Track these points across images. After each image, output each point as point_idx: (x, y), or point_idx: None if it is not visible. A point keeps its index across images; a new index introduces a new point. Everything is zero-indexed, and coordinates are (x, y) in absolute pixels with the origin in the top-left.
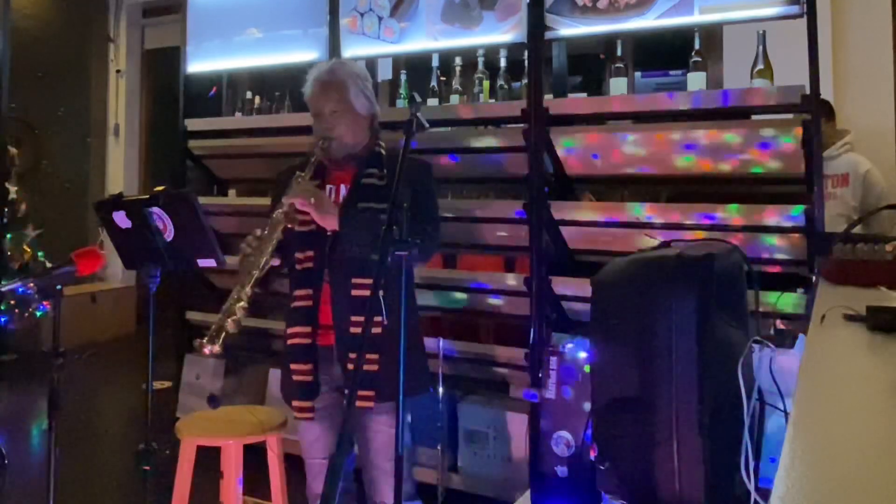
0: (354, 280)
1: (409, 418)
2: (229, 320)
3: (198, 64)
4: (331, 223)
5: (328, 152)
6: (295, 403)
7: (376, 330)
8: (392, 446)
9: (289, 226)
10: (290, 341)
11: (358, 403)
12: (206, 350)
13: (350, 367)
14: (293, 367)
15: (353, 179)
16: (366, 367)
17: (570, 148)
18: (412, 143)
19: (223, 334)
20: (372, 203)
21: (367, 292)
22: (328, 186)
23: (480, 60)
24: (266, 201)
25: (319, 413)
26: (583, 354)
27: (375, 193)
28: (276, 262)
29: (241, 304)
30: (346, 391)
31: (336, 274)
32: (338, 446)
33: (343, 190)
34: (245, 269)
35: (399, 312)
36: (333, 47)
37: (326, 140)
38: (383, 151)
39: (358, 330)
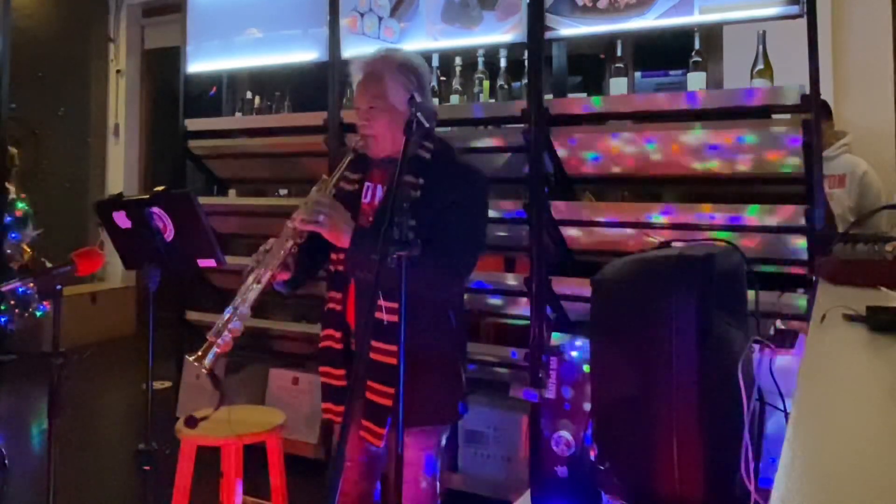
0: (379, 302)
1: (441, 445)
2: (221, 339)
3: (198, 64)
4: (343, 242)
5: (365, 151)
6: (324, 405)
7: (391, 360)
8: (416, 474)
9: (298, 241)
10: (321, 343)
11: (369, 437)
12: (204, 369)
13: (368, 395)
14: (322, 370)
15: (389, 183)
16: (379, 399)
17: (570, 147)
18: (448, 147)
19: (211, 351)
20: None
21: (393, 317)
22: (367, 184)
23: (480, 60)
24: (266, 201)
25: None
26: (582, 354)
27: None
28: (284, 275)
29: (235, 324)
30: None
31: (361, 286)
32: (338, 447)
33: (379, 192)
34: (249, 281)
35: (432, 332)
36: (333, 47)
37: (363, 138)
38: (427, 155)
39: (378, 357)
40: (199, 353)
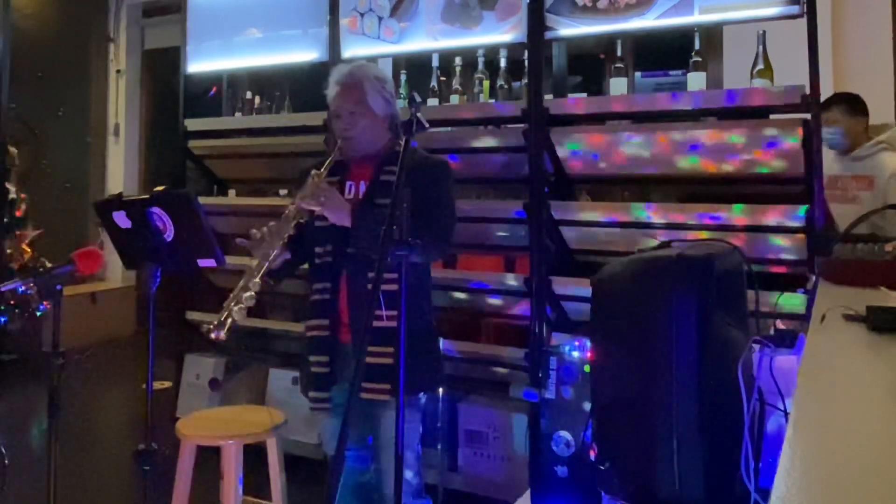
0: (371, 275)
1: (415, 411)
2: (236, 308)
3: (198, 64)
4: (343, 220)
5: (345, 152)
6: (311, 394)
7: (391, 324)
8: (404, 437)
9: (301, 221)
10: (308, 333)
11: (373, 396)
12: (213, 335)
13: (367, 359)
14: (311, 358)
15: (371, 177)
16: (380, 360)
17: (571, 148)
18: (412, 143)
19: (230, 321)
20: (389, 200)
21: (382, 287)
22: (348, 183)
23: (480, 60)
24: (266, 201)
25: (338, 408)
26: (582, 354)
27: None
28: (287, 255)
29: (249, 293)
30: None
31: (353, 270)
32: (337, 447)
33: (363, 186)
34: (255, 258)
35: (414, 309)
36: (333, 47)
37: (345, 140)
38: (399, 150)
39: (376, 325)
40: (216, 324)
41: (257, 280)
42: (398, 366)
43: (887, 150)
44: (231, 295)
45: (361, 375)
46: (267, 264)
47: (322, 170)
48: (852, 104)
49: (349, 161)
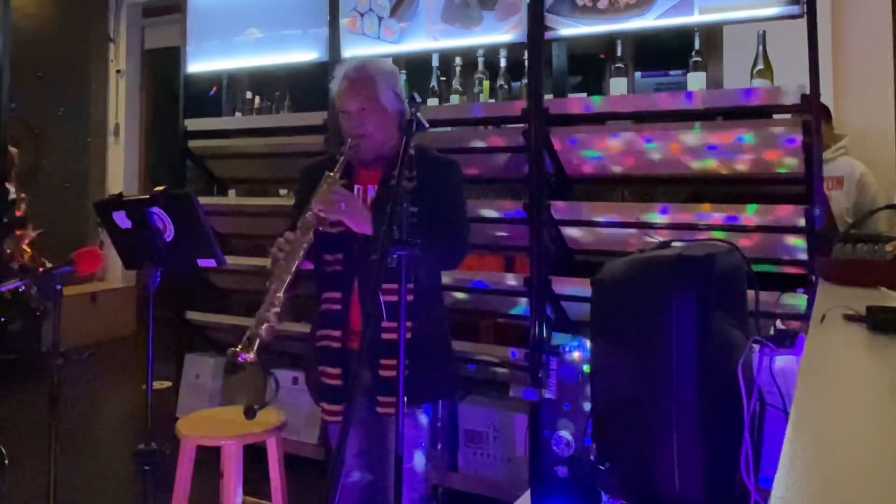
0: (385, 285)
1: (425, 421)
2: (263, 327)
3: (198, 64)
4: (364, 228)
5: (358, 151)
6: (325, 406)
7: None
8: (413, 449)
9: (319, 228)
10: (319, 343)
11: (388, 410)
12: (241, 358)
13: (381, 372)
14: (323, 369)
15: (381, 180)
16: (390, 373)
17: (571, 148)
18: (414, 144)
19: (257, 341)
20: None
21: (395, 297)
22: (356, 187)
23: (480, 60)
24: (266, 201)
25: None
26: (582, 354)
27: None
28: (307, 265)
29: (275, 309)
30: (370, 395)
31: (366, 278)
32: (337, 447)
33: (371, 191)
34: (277, 273)
35: (430, 317)
36: (333, 47)
37: (356, 139)
38: (412, 151)
39: (389, 336)
40: (243, 345)
41: (281, 296)
42: (412, 375)
43: (846, 154)
44: (256, 314)
45: (359, 383)
46: (290, 278)
47: (335, 173)
48: (825, 112)
49: (355, 163)
